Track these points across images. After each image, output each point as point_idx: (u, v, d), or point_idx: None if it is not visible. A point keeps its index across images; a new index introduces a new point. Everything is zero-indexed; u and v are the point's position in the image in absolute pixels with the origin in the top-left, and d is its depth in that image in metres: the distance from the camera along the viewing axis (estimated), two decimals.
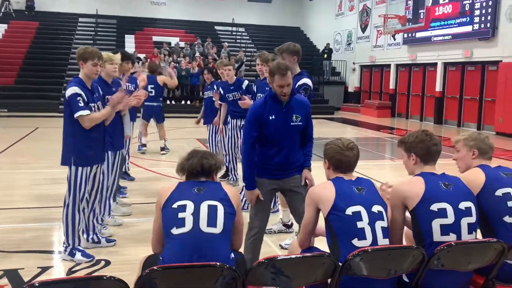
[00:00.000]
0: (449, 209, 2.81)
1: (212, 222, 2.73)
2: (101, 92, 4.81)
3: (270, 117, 3.91)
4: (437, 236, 2.79)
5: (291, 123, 3.96)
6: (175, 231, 2.70)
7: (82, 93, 4.38)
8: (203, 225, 2.71)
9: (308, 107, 4.09)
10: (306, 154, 4.14)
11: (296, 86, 4.88)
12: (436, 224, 2.80)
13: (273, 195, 4.24)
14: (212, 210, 2.76)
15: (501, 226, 3.03)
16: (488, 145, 3.35)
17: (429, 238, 2.82)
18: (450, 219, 2.80)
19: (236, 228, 2.93)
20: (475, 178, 3.14)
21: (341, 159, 3.00)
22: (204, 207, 2.76)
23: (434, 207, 2.81)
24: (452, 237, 2.79)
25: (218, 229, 2.73)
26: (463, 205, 2.85)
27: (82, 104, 4.33)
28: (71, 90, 4.36)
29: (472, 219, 2.87)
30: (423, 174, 2.97)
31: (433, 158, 3.06)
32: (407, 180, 3.00)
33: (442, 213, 2.80)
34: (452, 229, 2.80)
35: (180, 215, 2.73)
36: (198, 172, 2.99)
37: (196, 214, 2.72)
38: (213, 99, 8.16)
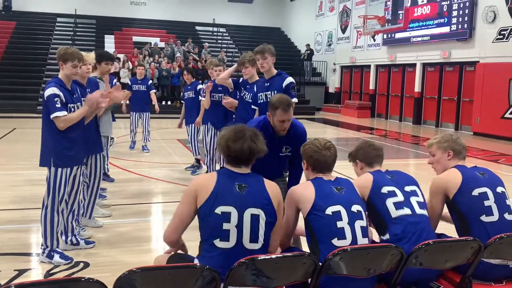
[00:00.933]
0: (397, 191, 3.09)
1: (254, 236, 2.67)
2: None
3: None
4: (393, 212, 3.02)
5: (280, 154, 3.99)
6: (218, 243, 2.63)
7: (61, 94, 4.33)
8: (246, 241, 2.65)
9: (303, 138, 3.99)
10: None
11: (285, 86, 5.00)
12: (389, 202, 3.04)
13: None
14: (255, 221, 2.67)
15: (477, 225, 3.09)
16: (461, 145, 3.45)
17: (387, 216, 3.02)
18: (400, 197, 3.07)
19: (276, 227, 2.83)
20: (452, 178, 3.21)
21: (318, 159, 3.02)
22: (247, 217, 2.66)
23: (384, 189, 3.08)
24: (406, 211, 3.02)
25: (259, 245, 2.69)
26: (408, 188, 3.13)
27: (59, 105, 4.28)
28: (50, 91, 4.31)
29: (420, 198, 3.13)
30: (371, 172, 3.26)
31: (375, 160, 3.38)
32: (357, 178, 3.31)
33: (392, 194, 3.09)
34: (405, 204, 3.05)
35: (225, 226, 2.63)
36: (245, 158, 2.81)
37: (240, 226, 2.64)
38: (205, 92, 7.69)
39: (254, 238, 2.67)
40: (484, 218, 3.09)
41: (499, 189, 3.21)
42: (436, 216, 3.30)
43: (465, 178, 3.20)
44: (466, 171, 3.26)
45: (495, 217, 3.09)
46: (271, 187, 2.83)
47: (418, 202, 3.10)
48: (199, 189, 2.71)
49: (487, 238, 2.95)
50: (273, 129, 3.90)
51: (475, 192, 3.14)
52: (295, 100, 4.85)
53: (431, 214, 3.23)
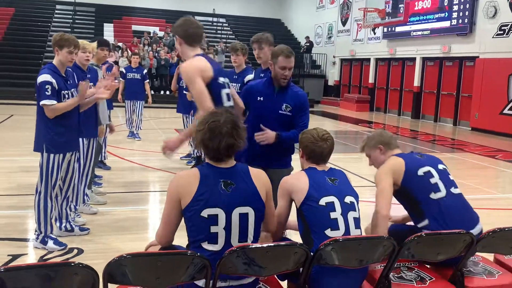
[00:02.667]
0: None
1: (243, 236, 2.58)
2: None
3: (258, 98, 3.84)
4: None
5: (280, 111, 3.90)
6: (206, 246, 2.54)
7: (54, 81, 4.29)
8: (235, 241, 2.56)
9: (304, 99, 4.01)
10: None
11: None
12: None
13: None
14: (243, 220, 2.57)
15: (429, 204, 3.18)
16: (387, 135, 3.54)
17: None
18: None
19: (267, 215, 2.75)
20: (395, 162, 3.29)
21: (314, 149, 3.00)
22: (235, 217, 2.55)
23: None
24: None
25: (248, 241, 2.61)
26: None
27: (49, 93, 4.25)
28: (42, 78, 4.29)
29: None
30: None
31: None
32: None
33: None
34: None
35: (213, 229, 2.52)
36: (224, 155, 2.63)
37: (228, 228, 2.54)
38: None
39: (243, 238, 2.58)
40: (433, 195, 3.18)
41: (441, 166, 3.32)
42: (388, 196, 3.20)
43: (407, 161, 3.28)
44: (405, 155, 3.37)
45: (442, 193, 3.19)
46: (258, 176, 2.70)
47: None
48: (181, 191, 2.56)
49: (440, 215, 3.11)
50: (274, 83, 3.90)
51: (420, 172, 3.23)
52: None
53: (385, 196, 3.17)
